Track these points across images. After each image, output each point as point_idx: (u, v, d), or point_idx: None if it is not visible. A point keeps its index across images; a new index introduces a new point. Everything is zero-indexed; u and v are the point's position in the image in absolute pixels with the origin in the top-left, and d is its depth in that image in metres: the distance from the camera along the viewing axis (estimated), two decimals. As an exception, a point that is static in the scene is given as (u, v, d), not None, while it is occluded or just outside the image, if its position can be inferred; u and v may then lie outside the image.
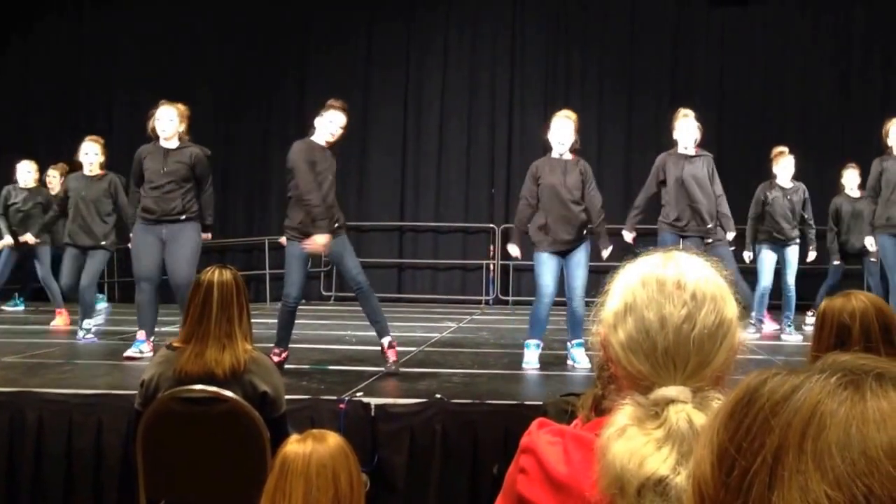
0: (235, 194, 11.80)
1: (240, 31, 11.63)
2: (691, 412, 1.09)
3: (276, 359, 5.37)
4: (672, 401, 1.10)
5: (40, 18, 12.01)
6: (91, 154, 6.99)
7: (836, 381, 0.64)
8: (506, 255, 11.17)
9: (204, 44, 11.60)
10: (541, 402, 3.20)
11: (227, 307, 3.02)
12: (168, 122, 5.92)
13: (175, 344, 3.09)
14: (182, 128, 6.03)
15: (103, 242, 6.89)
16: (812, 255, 8.05)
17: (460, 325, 8.60)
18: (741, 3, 10.98)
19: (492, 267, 11.27)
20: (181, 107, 6.05)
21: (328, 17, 11.65)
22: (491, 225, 11.32)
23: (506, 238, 10.69)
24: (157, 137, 5.97)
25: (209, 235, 6.31)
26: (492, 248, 11.26)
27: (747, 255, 7.96)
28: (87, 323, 6.83)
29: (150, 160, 5.93)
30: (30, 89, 11.82)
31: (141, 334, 5.91)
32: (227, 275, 3.08)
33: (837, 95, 10.96)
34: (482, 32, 11.56)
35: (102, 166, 7.10)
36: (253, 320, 3.15)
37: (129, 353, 5.79)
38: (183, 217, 5.91)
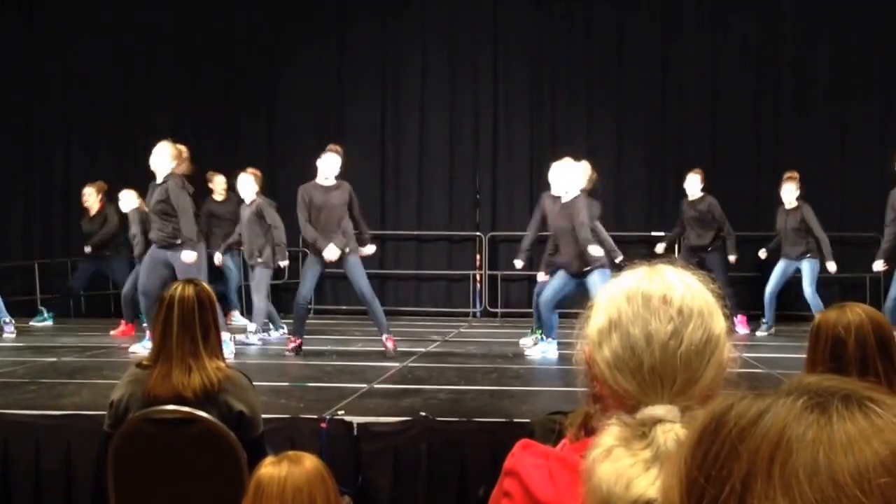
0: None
1: (207, 34, 11.33)
2: (680, 432, 1.06)
3: (291, 345, 6.94)
4: (659, 420, 1.08)
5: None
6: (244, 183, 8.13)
7: (803, 404, 0.64)
8: (493, 265, 11.11)
9: (167, 52, 11.34)
10: (529, 420, 3.11)
11: (189, 325, 2.90)
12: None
13: (144, 363, 2.97)
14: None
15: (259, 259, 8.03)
16: None
17: (446, 338, 8.50)
18: None
19: (479, 277, 11.12)
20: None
21: (300, 18, 11.37)
22: (477, 233, 11.16)
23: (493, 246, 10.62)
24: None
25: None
26: (478, 257, 11.10)
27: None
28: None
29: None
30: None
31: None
32: (190, 290, 2.94)
33: (834, 96, 10.86)
34: (463, 30, 11.31)
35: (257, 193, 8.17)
36: (231, 336, 3.03)
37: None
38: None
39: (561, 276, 6.98)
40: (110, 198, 9.25)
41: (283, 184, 10.50)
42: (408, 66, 11.36)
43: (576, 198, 6.95)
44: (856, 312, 2.47)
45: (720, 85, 10.95)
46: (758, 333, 8.80)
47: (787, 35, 10.85)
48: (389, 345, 6.90)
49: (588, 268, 6.77)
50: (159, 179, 6.92)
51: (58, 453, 4.03)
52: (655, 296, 1.18)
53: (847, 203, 10.49)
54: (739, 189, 9.88)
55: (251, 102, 11.49)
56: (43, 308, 9.74)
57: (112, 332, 8.52)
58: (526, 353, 7.20)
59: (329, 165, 6.97)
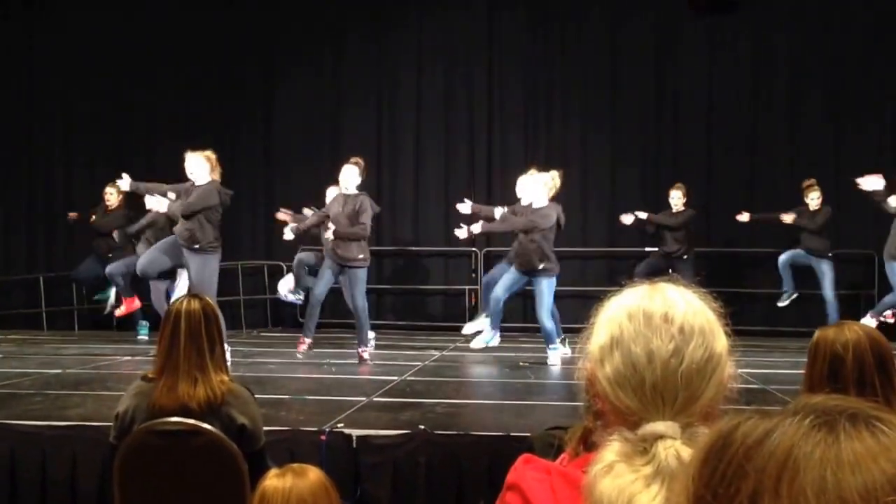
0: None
1: (203, 48, 11.38)
2: (680, 448, 1.06)
3: (302, 347, 7.68)
4: (661, 436, 1.08)
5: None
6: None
7: (810, 423, 0.65)
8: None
9: (164, 68, 11.36)
10: (527, 434, 3.15)
11: (196, 338, 2.94)
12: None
13: (149, 375, 3.02)
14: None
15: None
16: None
17: (443, 353, 8.53)
18: (726, 12, 10.94)
19: (476, 293, 11.14)
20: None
21: (297, 33, 11.42)
22: (473, 248, 11.20)
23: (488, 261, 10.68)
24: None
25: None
26: (475, 273, 11.14)
27: None
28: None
29: None
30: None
31: None
32: (196, 304, 2.99)
33: (829, 106, 10.92)
34: (458, 47, 11.35)
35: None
36: (232, 349, 3.08)
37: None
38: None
39: (513, 273, 7.44)
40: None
41: (281, 195, 10.60)
42: (403, 83, 11.40)
43: (545, 206, 7.45)
44: (854, 330, 2.46)
45: (715, 103, 11.02)
46: (779, 304, 9.41)
47: (781, 55, 10.93)
48: (365, 356, 7.44)
49: (540, 269, 7.24)
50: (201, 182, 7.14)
51: (63, 464, 4.04)
52: (657, 314, 1.19)
53: (842, 221, 10.54)
54: (734, 207, 9.94)
55: (248, 116, 11.52)
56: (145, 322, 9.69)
57: (117, 313, 8.95)
58: (471, 344, 7.83)
59: (344, 177, 7.62)
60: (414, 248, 11.35)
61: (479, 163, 11.32)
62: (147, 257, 7.37)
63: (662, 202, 10.48)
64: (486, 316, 8.04)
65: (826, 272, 8.97)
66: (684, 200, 9.59)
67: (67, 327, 10.61)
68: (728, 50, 11.03)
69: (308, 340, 7.76)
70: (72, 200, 10.94)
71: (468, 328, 8.50)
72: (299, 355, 7.57)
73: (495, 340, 7.81)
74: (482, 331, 7.91)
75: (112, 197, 9.80)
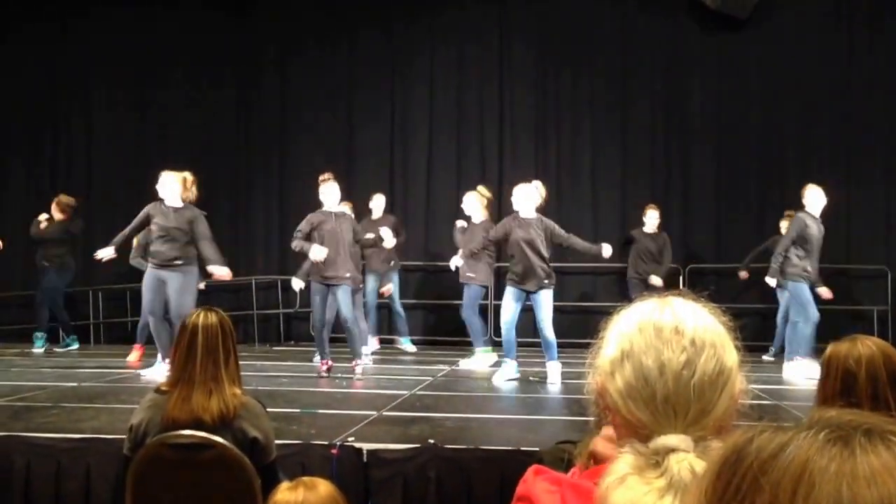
0: (219, 234, 11.72)
1: (215, 60, 11.54)
2: (693, 461, 1.05)
3: (323, 367, 7.54)
4: (673, 449, 1.08)
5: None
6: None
7: (825, 437, 0.64)
8: (500, 295, 11.12)
9: (178, 81, 11.55)
10: (537, 448, 3.16)
11: (213, 351, 2.96)
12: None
13: (163, 388, 3.04)
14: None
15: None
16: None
17: (453, 367, 8.54)
18: (735, 29, 10.98)
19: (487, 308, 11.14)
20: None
21: (310, 48, 11.58)
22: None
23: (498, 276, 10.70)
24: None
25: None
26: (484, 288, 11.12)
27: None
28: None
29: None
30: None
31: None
32: (213, 317, 3.01)
33: (838, 125, 10.91)
34: (469, 61, 11.45)
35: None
36: (241, 363, 3.10)
37: None
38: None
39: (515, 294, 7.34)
40: None
41: (294, 210, 10.64)
42: (415, 96, 11.50)
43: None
44: (867, 345, 2.44)
45: (725, 121, 11.05)
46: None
47: (791, 73, 10.95)
48: (358, 370, 7.50)
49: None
50: (173, 205, 7.30)
51: (78, 476, 4.06)
52: (667, 327, 1.18)
53: (853, 236, 10.53)
54: (743, 224, 9.97)
55: (263, 133, 11.65)
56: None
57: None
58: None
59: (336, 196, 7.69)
60: (424, 263, 11.37)
61: (490, 175, 11.37)
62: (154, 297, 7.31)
63: (672, 220, 10.55)
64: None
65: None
66: (658, 222, 9.79)
67: (84, 341, 10.68)
68: (738, 66, 11.05)
69: (328, 363, 7.60)
70: (90, 215, 11.00)
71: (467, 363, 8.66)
72: (323, 374, 7.51)
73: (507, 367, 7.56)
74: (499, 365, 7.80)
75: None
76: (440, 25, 11.54)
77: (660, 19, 11.14)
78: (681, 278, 10.18)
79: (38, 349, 9.54)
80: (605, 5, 11.28)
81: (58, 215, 9.64)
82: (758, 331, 9.85)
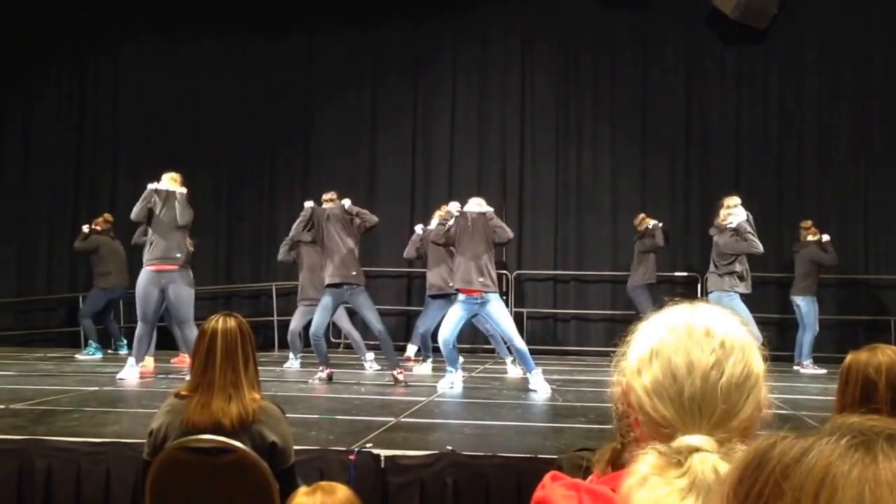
0: (241, 240, 11.86)
1: (244, 81, 11.74)
2: (717, 462, 1.05)
3: (322, 374, 7.55)
4: (696, 449, 1.07)
5: (40, 97, 12.25)
6: None
7: (847, 443, 0.64)
8: (519, 303, 11.15)
9: (206, 97, 11.73)
10: (555, 456, 3.15)
11: (232, 356, 2.97)
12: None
13: (183, 392, 3.06)
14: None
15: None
16: None
17: (471, 374, 8.53)
18: (755, 42, 10.95)
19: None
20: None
21: (333, 66, 11.76)
22: (503, 271, 11.24)
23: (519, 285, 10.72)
24: None
25: None
26: (506, 296, 11.15)
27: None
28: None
29: None
30: (30, 176, 12.09)
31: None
32: (232, 322, 3.02)
33: (857, 138, 10.87)
34: (490, 81, 11.60)
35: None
36: (260, 368, 3.11)
37: None
38: None
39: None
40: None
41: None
42: (437, 117, 11.70)
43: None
44: (887, 354, 2.42)
45: (743, 136, 11.05)
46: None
47: (810, 87, 10.94)
48: (400, 377, 7.50)
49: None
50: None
51: (98, 479, 4.08)
52: (698, 328, 1.18)
53: (871, 246, 10.46)
54: (762, 238, 9.89)
55: (287, 143, 11.84)
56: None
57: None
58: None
59: None
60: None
61: (511, 191, 11.51)
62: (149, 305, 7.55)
63: (691, 230, 10.51)
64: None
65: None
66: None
67: (107, 346, 10.76)
68: (757, 81, 11.06)
69: (328, 371, 7.69)
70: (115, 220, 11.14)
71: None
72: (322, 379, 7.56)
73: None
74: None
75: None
76: (462, 33, 11.70)
77: (680, 30, 11.16)
78: (698, 286, 10.11)
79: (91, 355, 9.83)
80: (623, 17, 11.31)
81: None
82: (777, 341, 9.78)
